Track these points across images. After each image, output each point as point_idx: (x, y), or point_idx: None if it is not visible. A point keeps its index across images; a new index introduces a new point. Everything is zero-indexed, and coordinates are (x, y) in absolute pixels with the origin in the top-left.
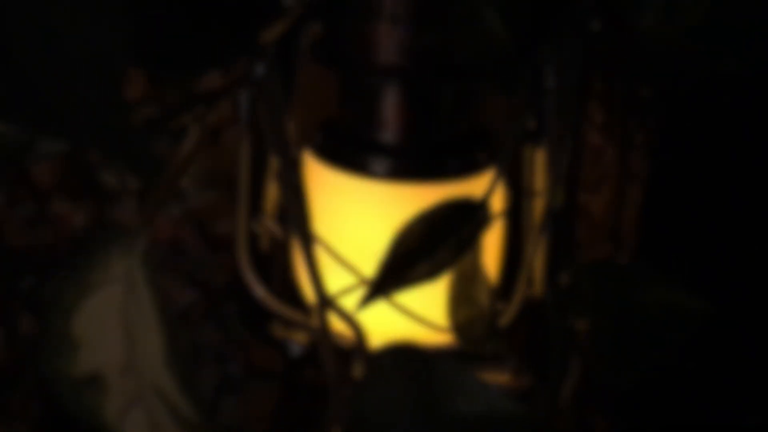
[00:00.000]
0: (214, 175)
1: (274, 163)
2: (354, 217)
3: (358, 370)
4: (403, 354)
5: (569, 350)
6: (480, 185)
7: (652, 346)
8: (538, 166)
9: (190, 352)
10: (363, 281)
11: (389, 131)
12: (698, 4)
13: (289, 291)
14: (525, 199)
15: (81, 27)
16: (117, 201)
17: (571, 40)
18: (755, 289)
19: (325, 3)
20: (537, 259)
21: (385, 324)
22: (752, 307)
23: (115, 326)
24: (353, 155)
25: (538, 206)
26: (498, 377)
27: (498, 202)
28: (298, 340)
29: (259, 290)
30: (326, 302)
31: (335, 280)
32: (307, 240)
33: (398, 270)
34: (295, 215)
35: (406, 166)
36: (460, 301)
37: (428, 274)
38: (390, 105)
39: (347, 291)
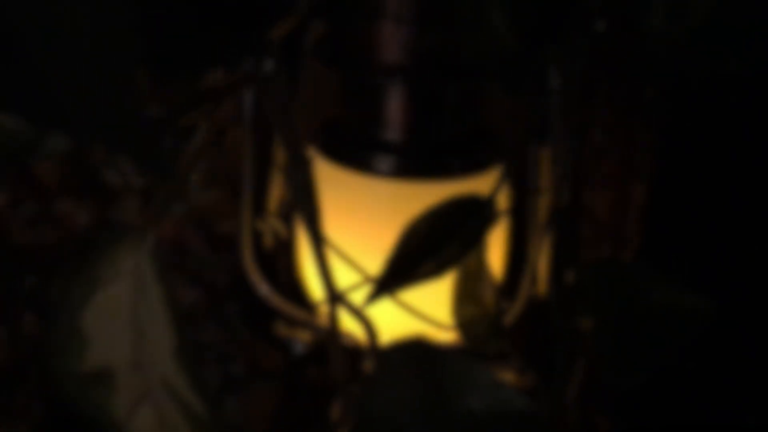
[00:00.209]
0: (217, 174)
1: (279, 160)
2: (358, 216)
3: (367, 366)
4: (414, 350)
5: (573, 349)
6: (484, 184)
7: (655, 346)
8: (543, 165)
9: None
10: (368, 279)
11: (393, 130)
12: (702, 4)
13: (292, 289)
14: (529, 198)
15: (87, 24)
16: (120, 200)
17: (577, 40)
18: (757, 288)
19: (328, 2)
20: (541, 258)
21: (390, 322)
22: (754, 307)
23: (123, 322)
24: (357, 154)
25: (542, 205)
26: (502, 376)
27: (503, 201)
28: (301, 339)
29: (263, 288)
30: (336, 297)
31: (341, 278)
32: (317, 236)
33: (404, 268)
34: (305, 213)
35: (410, 165)
36: (464, 299)
37: (433, 272)
38: (394, 104)
39: (352, 289)
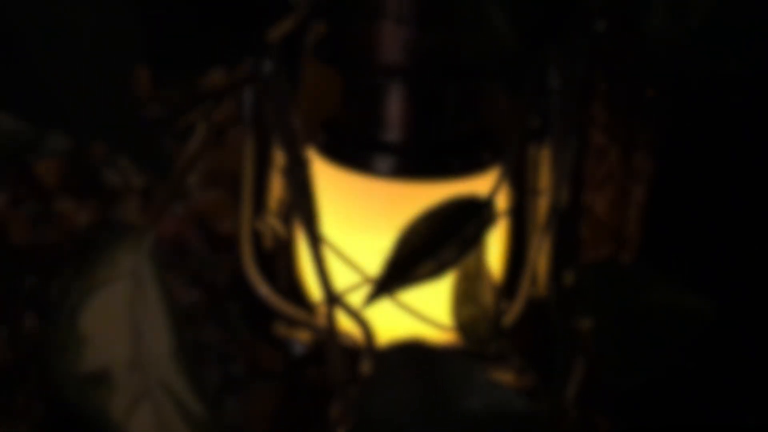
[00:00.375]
0: (217, 173)
1: (278, 161)
2: (358, 216)
3: (366, 368)
4: (412, 351)
5: (573, 350)
6: (484, 184)
7: (655, 347)
8: (543, 165)
9: (193, 351)
10: (367, 280)
11: (393, 130)
12: (702, 4)
13: (292, 289)
14: (529, 199)
15: (87, 24)
16: (121, 200)
17: (577, 40)
18: (757, 289)
19: (329, 2)
20: (541, 259)
21: (390, 323)
22: (754, 307)
23: (122, 323)
24: (357, 154)
25: (542, 205)
26: (501, 377)
27: (502, 201)
28: (301, 339)
29: (263, 289)
30: (334, 300)
31: (339, 278)
32: (315, 238)
33: (403, 268)
34: (303, 213)
35: (409, 165)
36: (464, 299)
37: (433, 272)
38: (394, 104)
39: (352, 289)
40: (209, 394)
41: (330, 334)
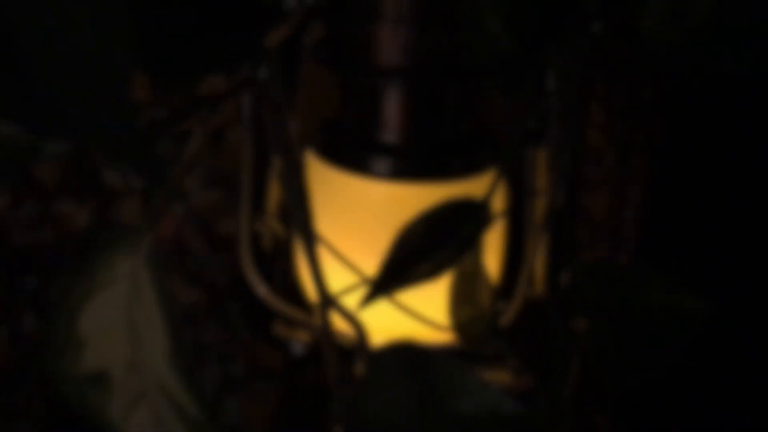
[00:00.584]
0: (217, 174)
1: (276, 163)
2: (356, 217)
3: (359, 369)
4: (405, 352)
5: (570, 350)
6: (482, 185)
7: (652, 347)
8: (540, 166)
9: (192, 351)
10: (365, 280)
11: (391, 132)
12: (700, 5)
13: (291, 290)
14: (526, 199)
15: (85, 29)
16: (120, 201)
17: (575, 41)
18: (755, 289)
19: (327, 4)
20: (538, 259)
21: (388, 323)
22: (752, 307)
23: (120, 325)
24: (356, 155)
25: (539, 206)
26: (499, 377)
27: (499, 202)
28: (300, 340)
29: (262, 289)
30: (329, 301)
31: (338, 279)
32: (310, 240)
33: (400, 269)
34: (298, 215)
35: (408, 166)
36: (461, 300)
37: (430, 273)
38: (392, 106)
39: (349, 290)
40: (209, 395)
41: (325, 334)
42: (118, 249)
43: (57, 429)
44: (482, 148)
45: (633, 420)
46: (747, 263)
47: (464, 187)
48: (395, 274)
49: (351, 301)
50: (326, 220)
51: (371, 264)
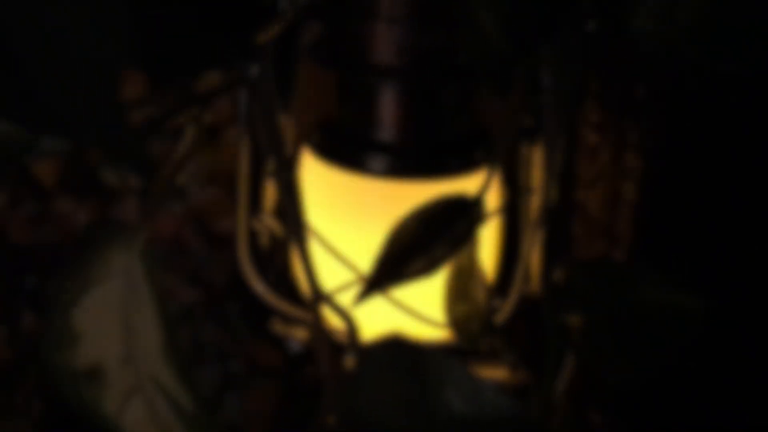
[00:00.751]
0: (215, 173)
1: (269, 159)
2: (352, 215)
3: (350, 363)
4: (396, 346)
5: (564, 347)
6: (477, 183)
7: (647, 344)
8: (535, 164)
9: (189, 348)
10: (360, 277)
11: (387, 130)
12: (691, 4)
13: (288, 288)
14: (521, 197)
15: (80, 27)
16: (119, 200)
17: (569, 39)
18: (751, 287)
19: (323, 4)
20: (533, 256)
21: (383, 320)
22: (749, 305)
23: (114, 319)
24: (351, 153)
25: (534, 203)
26: (495, 373)
27: (494, 199)
28: (298, 337)
29: (259, 287)
30: (320, 296)
31: (334, 276)
32: (301, 237)
33: (394, 265)
34: (290, 213)
35: (403, 164)
36: (457, 297)
37: (424, 269)
38: (388, 104)
39: (345, 287)
40: (208, 393)
41: (317, 330)
42: (112, 245)
43: (56, 428)
44: (478, 146)
45: (629, 417)
46: (742, 260)
47: (460, 184)
48: (389, 271)
49: (347, 298)
50: (322, 218)
51: (368, 262)
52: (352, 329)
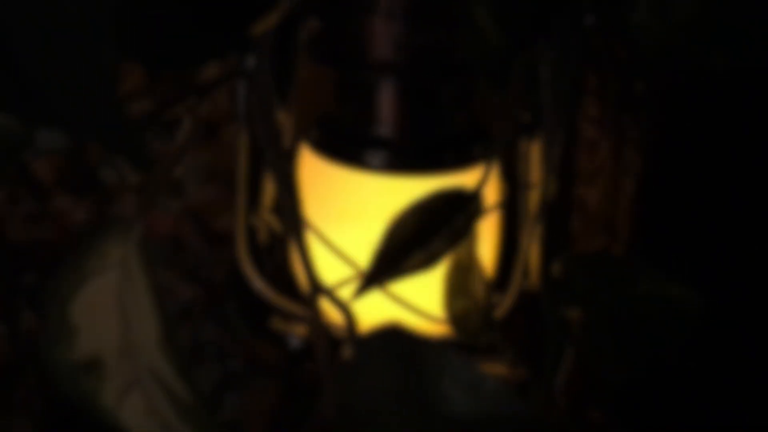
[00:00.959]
0: (213, 170)
1: (266, 153)
2: (351, 210)
3: (346, 354)
4: (393, 336)
5: (563, 342)
6: (475, 178)
7: (645, 339)
8: (533, 158)
9: (190, 348)
10: (359, 272)
11: (385, 125)
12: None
13: (287, 284)
14: (520, 192)
15: (76, 19)
16: (117, 197)
17: (567, 34)
18: (750, 284)
19: None
20: (533, 251)
21: (382, 315)
22: (747, 303)
23: (111, 312)
24: (350, 149)
25: (533, 198)
26: (494, 369)
27: (493, 194)
28: (297, 334)
29: (258, 283)
30: (318, 290)
31: (332, 271)
32: (298, 230)
33: (392, 260)
34: (287, 205)
35: (402, 159)
36: (455, 292)
37: (422, 264)
38: (386, 100)
39: (343, 282)
40: (208, 391)
41: (316, 324)
42: (108, 238)
43: (56, 426)
44: (476, 141)
45: (628, 413)
46: (741, 256)
47: (458, 179)
48: (387, 265)
49: (345, 293)
50: (321, 213)
51: (366, 256)
52: (350, 322)
